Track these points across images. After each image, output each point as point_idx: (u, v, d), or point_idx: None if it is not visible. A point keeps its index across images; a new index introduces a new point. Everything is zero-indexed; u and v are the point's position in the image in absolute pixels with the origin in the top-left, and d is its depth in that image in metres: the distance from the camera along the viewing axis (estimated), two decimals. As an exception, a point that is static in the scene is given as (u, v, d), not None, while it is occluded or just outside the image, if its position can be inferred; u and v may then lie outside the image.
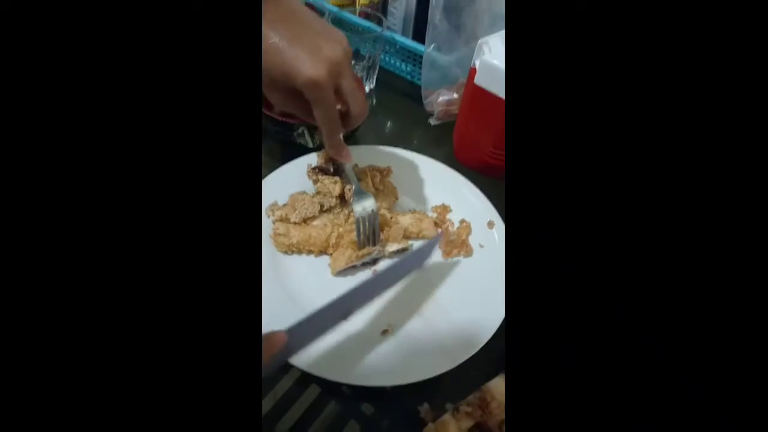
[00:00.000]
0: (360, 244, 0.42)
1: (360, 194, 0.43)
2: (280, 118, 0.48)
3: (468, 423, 0.32)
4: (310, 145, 0.51)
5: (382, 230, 0.44)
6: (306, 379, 0.35)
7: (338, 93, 0.36)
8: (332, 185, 0.44)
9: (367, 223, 0.42)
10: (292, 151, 0.51)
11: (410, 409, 0.35)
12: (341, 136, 0.40)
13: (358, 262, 0.42)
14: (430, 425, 0.33)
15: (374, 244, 0.43)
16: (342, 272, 0.42)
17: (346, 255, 0.41)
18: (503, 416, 0.31)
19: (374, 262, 0.44)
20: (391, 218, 0.45)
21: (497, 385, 0.34)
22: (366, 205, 0.42)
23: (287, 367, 0.35)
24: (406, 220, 0.45)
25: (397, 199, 0.49)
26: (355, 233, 0.42)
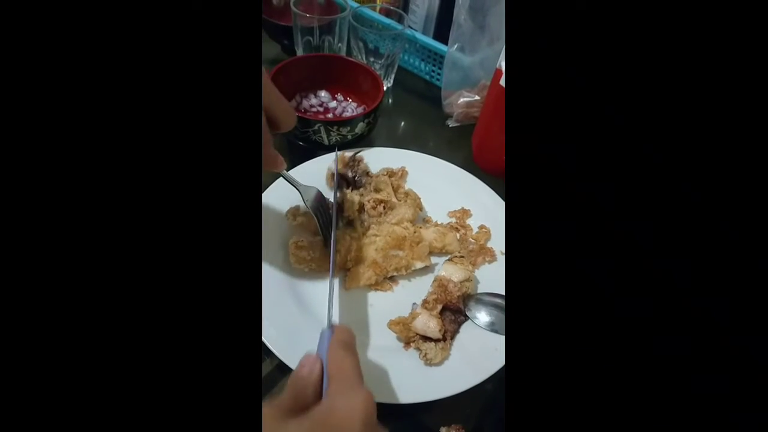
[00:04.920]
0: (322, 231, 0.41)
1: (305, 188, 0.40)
2: (296, 114, 0.46)
3: (438, 307, 0.37)
4: (326, 142, 0.49)
5: (403, 248, 0.41)
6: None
7: None
8: (356, 197, 0.43)
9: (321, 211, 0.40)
10: (308, 148, 0.50)
11: (418, 421, 0.33)
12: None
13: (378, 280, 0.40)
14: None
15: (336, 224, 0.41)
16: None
17: (365, 276, 0.39)
18: (460, 292, 0.38)
19: (392, 279, 0.42)
20: (415, 233, 0.42)
21: (447, 269, 0.39)
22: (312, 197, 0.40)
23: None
24: (429, 235, 0.43)
25: (420, 210, 0.46)
26: (373, 246, 0.41)
